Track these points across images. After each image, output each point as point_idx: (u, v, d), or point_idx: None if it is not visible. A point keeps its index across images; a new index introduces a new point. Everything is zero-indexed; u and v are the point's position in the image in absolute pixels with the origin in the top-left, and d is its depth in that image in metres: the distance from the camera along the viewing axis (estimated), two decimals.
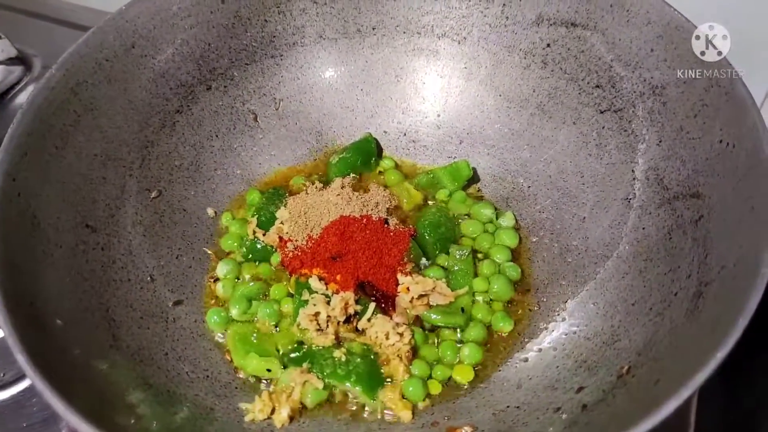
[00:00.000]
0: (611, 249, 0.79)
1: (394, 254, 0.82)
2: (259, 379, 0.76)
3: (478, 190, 0.93)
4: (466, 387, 0.75)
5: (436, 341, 0.79)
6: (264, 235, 0.86)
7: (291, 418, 0.72)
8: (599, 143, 0.84)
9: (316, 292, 0.79)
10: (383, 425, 0.72)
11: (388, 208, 0.88)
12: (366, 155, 0.94)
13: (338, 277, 0.80)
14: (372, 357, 0.75)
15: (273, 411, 0.72)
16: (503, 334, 0.79)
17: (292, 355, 0.76)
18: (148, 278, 0.80)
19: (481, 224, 0.88)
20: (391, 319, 0.77)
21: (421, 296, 0.79)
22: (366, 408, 0.73)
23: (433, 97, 0.96)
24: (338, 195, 0.87)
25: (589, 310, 0.77)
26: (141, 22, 0.83)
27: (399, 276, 0.81)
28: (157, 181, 0.85)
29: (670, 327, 0.65)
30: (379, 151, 0.97)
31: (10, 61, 1.17)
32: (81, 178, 0.76)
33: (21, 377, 0.83)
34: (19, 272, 0.64)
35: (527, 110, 0.90)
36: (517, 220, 0.89)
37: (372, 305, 0.77)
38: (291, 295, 0.81)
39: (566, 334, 0.76)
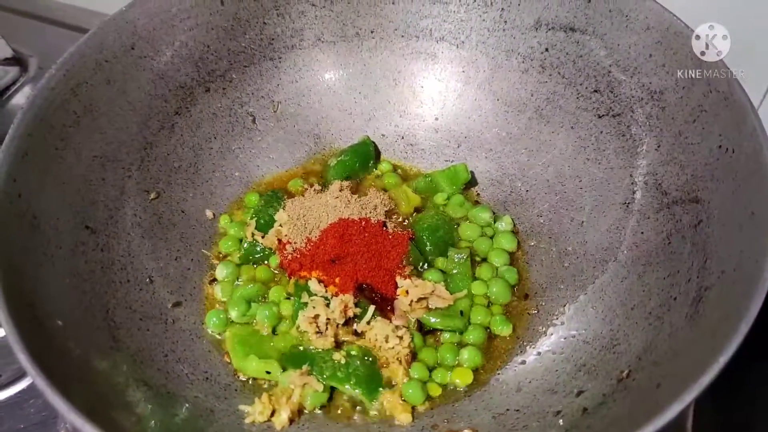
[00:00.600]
0: (610, 253, 0.79)
1: (392, 257, 0.82)
2: (258, 381, 0.76)
3: (477, 194, 0.93)
4: (465, 390, 0.75)
5: (435, 344, 0.79)
6: (263, 237, 0.86)
7: (291, 420, 0.72)
8: (597, 148, 0.84)
9: (316, 295, 0.79)
10: (383, 428, 0.72)
11: (386, 211, 0.88)
12: (364, 158, 0.94)
13: (337, 280, 0.80)
14: (371, 360, 0.75)
15: (273, 413, 0.72)
16: (502, 338, 0.79)
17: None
18: (148, 279, 0.79)
19: (479, 228, 0.88)
20: (391, 322, 0.77)
21: (420, 299, 0.79)
22: (366, 410, 0.73)
23: (431, 100, 0.97)
24: (337, 198, 0.87)
25: (589, 314, 0.77)
26: (141, 23, 0.83)
27: (398, 279, 0.81)
28: (156, 183, 0.85)
29: (670, 331, 0.65)
30: (377, 154, 0.97)
31: (6, 62, 1.17)
32: (81, 179, 0.76)
33: (18, 379, 0.82)
34: (19, 273, 0.63)
35: (525, 114, 0.91)
36: (515, 224, 0.89)
37: (371, 308, 0.77)
38: (290, 297, 0.81)
39: (565, 338, 0.77)
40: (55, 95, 0.74)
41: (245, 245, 0.86)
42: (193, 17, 0.87)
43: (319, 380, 0.73)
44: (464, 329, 0.79)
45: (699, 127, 0.72)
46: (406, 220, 0.89)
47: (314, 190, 0.91)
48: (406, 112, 0.98)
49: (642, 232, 0.77)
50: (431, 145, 0.97)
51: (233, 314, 0.80)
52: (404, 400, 0.73)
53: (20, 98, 1.13)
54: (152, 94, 0.85)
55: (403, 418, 0.72)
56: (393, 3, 0.93)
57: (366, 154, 0.95)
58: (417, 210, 0.91)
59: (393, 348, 0.75)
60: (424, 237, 0.86)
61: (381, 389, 0.73)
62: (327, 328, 0.76)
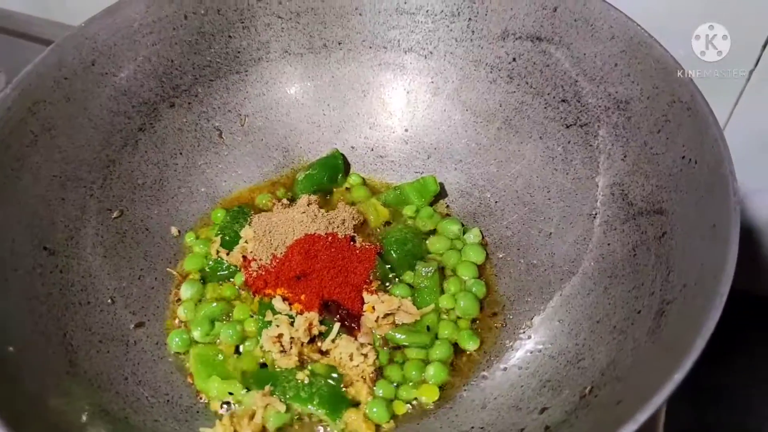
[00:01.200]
0: (577, 265, 0.78)
1: (359, 272, 0.81)
2: (221, 403, 0.75)
3: (446, 206, 0.92)
4: (431, 407, 0.74)
5: (401, 361, 0.78)
6: (228, 254, 0.85)
7: None
8: (565, 158, 0.83)
9: (280, 313, 0.78)
10: None
11: (354, 225, 0.87)
12: (333, 171, 0.93)
13: (302, 297, 0.79)
14: (336, 379, 0.74)
15: None
16: (469, 353, 0.79)
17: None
18: (109, 300, 0.78)
19: (448, 240, 0.87)
20: (356, 339, 0.76)
21: (386, 315, 0.78)
22: (330, 430, 0.72)
23: (400, 112, 0.96)
24: (304, 212, 0.86)
25: (555, 327, 0.76)
26: (101, 38, 0.82)
27: (365, 295, 0.80)
28: (119, 201, 0.84)
29: (633, 346, 0.64)
30: (347, 166, 0.96)
31: None
32: (38, 200, 0.75)
33: None
34: None
35: (494, 125, 0.90)
36: (483, 236, 0.88)
37: (336, 326, 0.76)
38: (254, 316, 0.80)
39: (531, 352, 0.76)
40: (10, 115, 0.73)
41: (210, 263, 0.84)
42: (155, 32, 0.86)
43: (281, 400, 0.72)
44: (431, 345, 0.78)
45: (663, 137, 0.72)
46: (375, 234, 0.88)
47: (282, 204, 0.90)
48: (376, 123, 0.97)
49: (608, 244, 0.76)
50: (401, 157, 0.96)
51: (196, 334, 0.79)
52: (368, 419, 0.72)
53: None
54: (115, 111, 0.84)
55: None
56: (360, 14, 0.92)
57: (335, 167, 0.94)
58: (386, 223, 0.90)
59: (357, 366, 0.74)
60: (393, 250, 0.85)
61: (345, 409, 0.72)
62: (291, 347, 0.75)
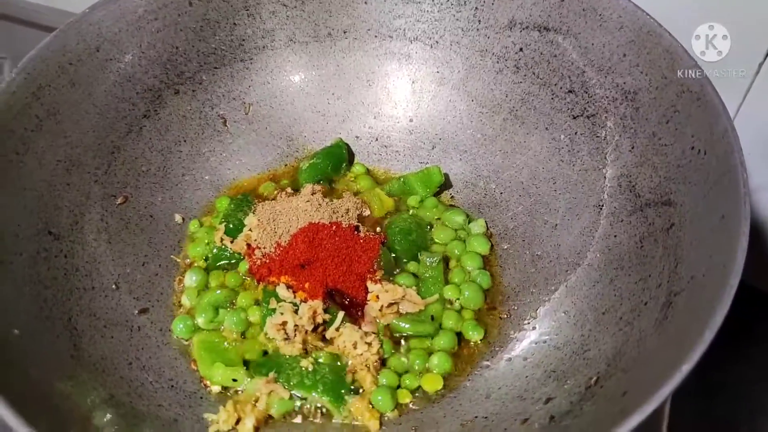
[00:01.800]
0: (582, 257, 0.78)
1: (363, 262, 0.81)
2: (225, 389, 0.75)
3: (451, 197, 0.92)
4: (434, 397, 0.74)
5: (405, 350, 0.78)
6: (232, 242, 0.84)
7: (257, 429, 0.70)
8: (572, 149, 0.83)
9: (284, 301, 0.77)
10: None
11: (358, 215, 0.87)
12: (337, 161, 0.93)
13: (307, 285, 0.78)
14: (340, 367, 0.74)
15: (238, 421, 0.70)
16: (473, 343, 0.78)
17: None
18: (113, 286, 0.78)
19: (452, 231, 0.87)
20: (360, 328, 0.76)
21: (390, 304, 0.78)
22: (333, 418, 0.72)
23: (405, 101, 0.95)
24: (308, 201, 0.86)
25: (560, 318, 0.76)
26: (106, 24, 0.82)
27: (369, 284, 0.79)
28: (123, 187, 0.84)
29: (639, 337, 0.64)
30: (351, 156, 0.96)
31: None
32: (43, 185, 0.75)
33: None
34: None
35: (500, 115, 0.89)
36: (488, 227, 0.88)
37: (341, 314, 0.76)
38: (259, 303, 0.80)
39: (536, 343, 0.75)
40: (15, 99, 0.73)
41: (214, 250, 0.84)
42: (160, 18, 0.86)
43: (285, 387, 0.72)
44: (435, 334, 0.78)
45: (672, 128, 0.71)
46: (379, 225, 0.88)
47: (285, 193, 0.89)
48: (380, 113, 0.96)
49: (615, 236, 0.76)
50: (405, 147, 0.95)
51: (200, 321, 0.78)
52: (372, 407, 0.72)
53: None
54: (119, 97, 0.84)
55: (371, 425, 0.71)
56: (366, 3, 0.92)
57: (339, 157, 0.93)
58: (390, 213, 0.90)
59: (362, 354, 0.74)
60: (396, 240, 0.84)
61: (349, 396, 0.72)
62: (295, 335, 0.75)
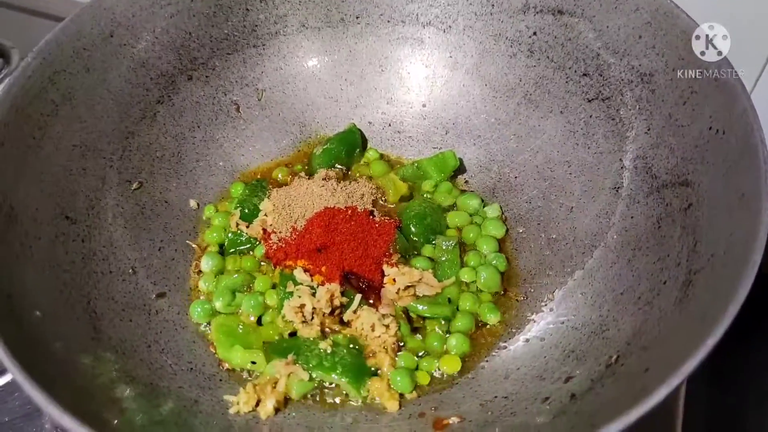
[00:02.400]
0: (599, 239, 0.78)
1: (379, 245, 0.81)
2: (244, 371, 0.75)
3: (465, 181, 0.92)
4: (453, 378, 0.74)
5: (423, 332, 0.78)
6: (247, 227, 0.84)
7: (276, 410, 0.71)
8: (587, 132, 0.83)
9: (301, 284, 0.77)
10: (370, 416, 0.71)
11: (373, 200, 0.87)
12: (350, 146, 0.93)
13: (323, 269, 0.78)
14: (358, 349, 0.74)
15: (258, 403, 0.70)
16: (490, 325, 0.78)
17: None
18: (130, 270, 0.78)
19: (467, 215, 0.87)
20: (377, 310, 0.76)
21: (407, 287, 0.78)
22: (352, 399, 0.72)
23: (418, 87, 0.95)
24: (322, 186, 0.86)
25: (577, 300, 0.76)
26: (120, 10, 0.82)
27: (385, 267, 0.79)
28: (138, 173, 0.84)
29: (659, 316, 0.64)
30: (364, 142, 0.96)
31: None
32: (60, 169, 0.75)
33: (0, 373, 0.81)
34: None
35: (514, 99, 0.89)
36: (503, 211, 0.88)
37: (358, 297, 0.76)
38: (276, 287, 0.80)
39: (554, 324, 0.76)
40: (31, 84, 0.73)
41: (229, 235, 0.84)
42: (173, 3, 0.86)
43: (305, 369, 0.72)
44: (452, 316, 0.78)
45: (689, 109, 0.71)
46: (393, 209, 0.88)
47: (300, 178, 0.89)
48: (393, 99, 0.96)
49: (632, 217, 0.76)
50: (419, 132, 0.95)
51: (218, 304, 0.79)
52: (392, 388, 0.72)
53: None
54: (133, 83, 0.84)
55: (391, 405, 0.71)
56: None
57: (352, 142, 0.93)
58: (404, 198, 0.90)
59: (379, 337, 0.74)
60: (412, 225, 0.84)
61: (368, 378, 0.72)
62: (313, 318, 0.75)
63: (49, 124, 0.74)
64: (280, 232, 0.82)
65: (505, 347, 0.76)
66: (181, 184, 0.88)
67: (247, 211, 0.85)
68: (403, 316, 0.77)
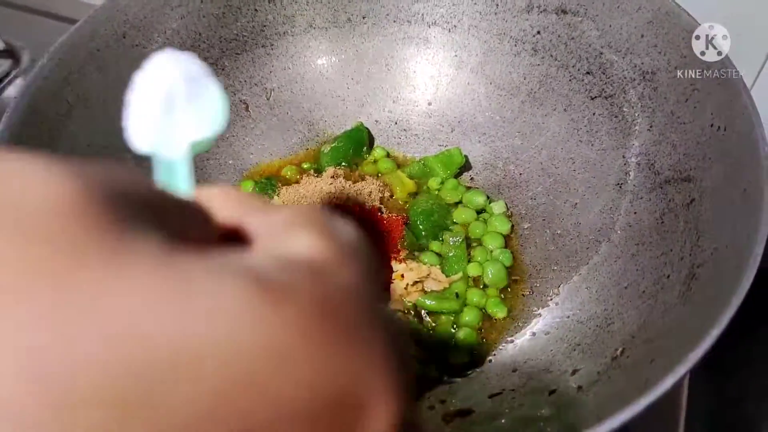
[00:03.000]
0: (603, 234, 0.79)
1: (388, 242, 0.82)
2: None
3: (470, 179, 0.93)
4: (460, 371, 0.76)
5: (431, 327, 0.79)
6: None
7: None
8: (590, 129, 0.84)
9: None
10: None
11: (380, 197, 0.89)
12: (358, 144, 0.94)
13: None
14: None
15: None
16: (497, 319, 0.80)
17: None
18: None
19: (473, 212, 0.89)
20: None
21: (415, 283, 0.79)
22: None
23: (423, 85, 0.97)
24: (331, 184, 0.87)
25: (582, 294, 0.77)
26: (132, 11, 0.83)
27: (393, 263, 0.81)
28: (150, 172, 0.85)
29: (664, 309, 0.65)
30: (371, 140, 0.97)
31: None
32: None
33: None
34: None
35: (518, 98, 0.91)
36: (508, 208, 0.89)
37: None
38: None
39: (559, 318, 0.77)
40: (48, 84, 0.74)
41: None
42: (184, 5, 0.87)
43: None
44: (460, 311, 0.79)
45: (691, 106, 0.73)
46: (401, 206, 0.89)
47: (308, 176, 0.91)
48: (399, 97, 0.98)
49: (635, 212, 0.77)
50: (425, 130, 0.97)
51: None
52: None
53: (12, 91, 1.13)
54: None
55: None
56: None
57: (360, 140, 0.95)
58: (411, 195, 0.91)
59: None
60: (419, 221, 0.86)
61: None
62: None
63: (65, 123, 0.76)
64: None
65: (512, 341, 0.78)
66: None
67: None
68: (412, 312, 0.79)
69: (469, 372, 0.76)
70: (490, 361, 0.76)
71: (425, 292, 0.80)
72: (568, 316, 0.76)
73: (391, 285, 0.80)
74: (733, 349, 0.80)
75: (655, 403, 0.51)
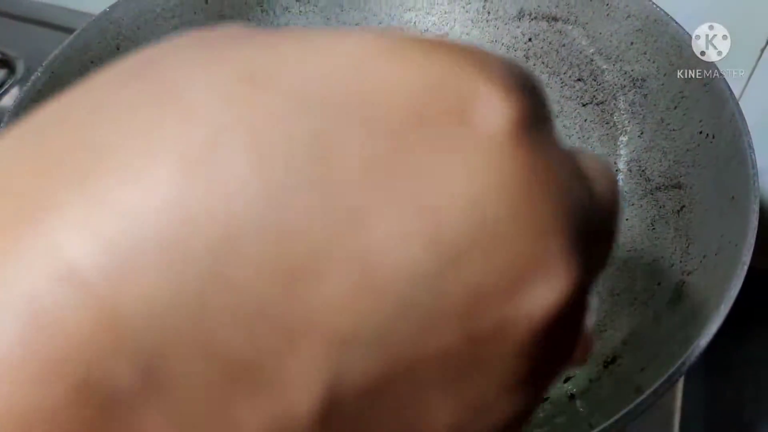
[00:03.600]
0: None
1: None
2: None
3: None
4: None
5: None
6: None
7: None
8: (582, 136, 0.85)
9: None
10: None
11: None
12: None
13: None
14: None
15: None
16: None
17: None
18: None
19: None
20: None
21: None
22: None
23: None
24: None
25: None
26: (125, 23, 0.84)
27: None
28: None
29: (654, 316, 0.66)
30: None
31: None
32: None
33: None
34: None
35: None
36: None
37: None
38: None
39: None
40: (42, 97, 0.75)
41: None
42: (177, 16, 0.87)
43: None
44: None
45: (680, 114, 0.73)
46: None
47: None
48: None
49: (626, 219, 0.78)
50: None
51: None
52: None
53: (8, 100, 1.13)
54: None
55: None
56: None
57: None
58: None
59: None
60: None
61: None
62: None
63: None
64: None
65: None
66: None
67: None
68: None
69: None
70: None
71: None
72: None
73: None
74: (727, 351, 0.80)
75: (647, 410, 0.51)
